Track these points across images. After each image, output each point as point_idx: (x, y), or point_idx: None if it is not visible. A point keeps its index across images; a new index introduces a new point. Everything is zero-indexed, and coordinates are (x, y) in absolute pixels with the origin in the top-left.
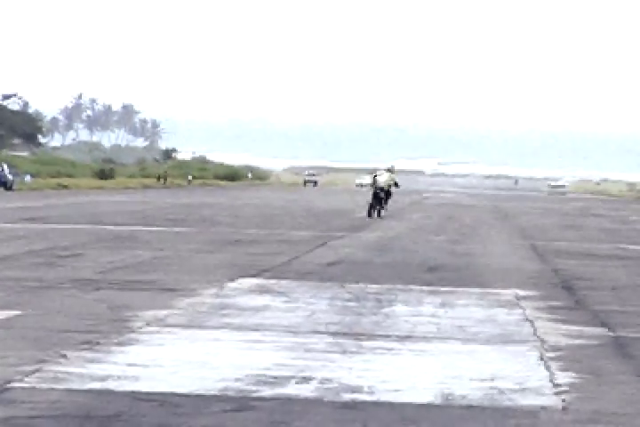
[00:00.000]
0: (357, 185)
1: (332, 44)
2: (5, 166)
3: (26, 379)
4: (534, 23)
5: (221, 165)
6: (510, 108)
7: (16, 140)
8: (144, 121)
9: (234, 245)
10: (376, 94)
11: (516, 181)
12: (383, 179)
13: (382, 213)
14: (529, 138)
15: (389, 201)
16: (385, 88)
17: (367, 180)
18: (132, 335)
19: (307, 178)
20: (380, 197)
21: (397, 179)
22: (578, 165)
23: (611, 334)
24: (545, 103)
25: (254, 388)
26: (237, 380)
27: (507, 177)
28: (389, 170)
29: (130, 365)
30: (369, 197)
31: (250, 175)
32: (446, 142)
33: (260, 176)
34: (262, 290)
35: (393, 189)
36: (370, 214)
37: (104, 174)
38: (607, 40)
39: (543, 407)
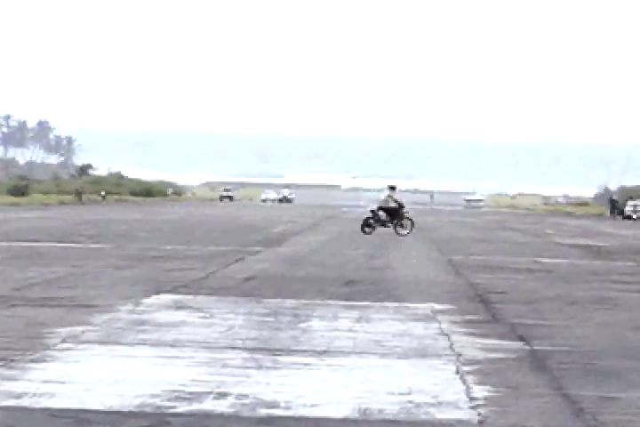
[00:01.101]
0: (263, 200)
1: (246, 55)
2: None
3: None
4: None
5: (137, 180)
6: (426, 120)
7: None
8: (59, 137)
9: (150, 260)
10: (291, 105)
11: (432, 196)
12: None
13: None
14: (443, 150)
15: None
16: (301, 98)
17: (272, 195)
18: (48, 352)
19: (223, 193)
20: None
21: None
22: (492, 178)
23: (527, 347)
24: (458, 115)
25: (170, 404)
26: (154, 396)
27: (423, 191)
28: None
29: (45, 382)
30: (287, 213)
31: (170, 191)
32: (362, 156)
33: (176, 192)
34: (179, 306)
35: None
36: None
37: (18, 191)
38: (510, 45)
39: (459, 421)
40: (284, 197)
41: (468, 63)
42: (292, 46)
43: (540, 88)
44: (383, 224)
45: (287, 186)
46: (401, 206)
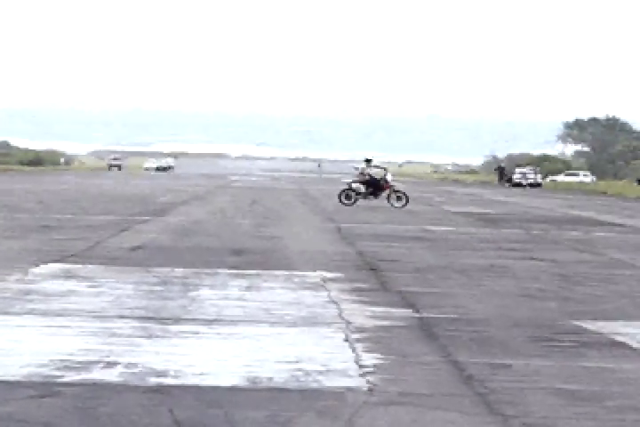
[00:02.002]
0: (145, 168)
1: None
2: None
3: None
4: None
5: (26, 150)
6: (314, 93)
7: None
8: None
9: (37, 230)
10: (178, 78)
11: (320, 164)
12: (390, 176)
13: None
14: (334, 121)
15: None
16: (189, 73)
17: (153, 163)
18: None
19: (112, 162)
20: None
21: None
22: (383, 147)
23: (416, 315)
24: (352, 91)
25: (59, 373)
26: (42, 366)
27: (312, 160)
28: (369, 160)
29: None
30: (176, 182)
31: (63, 161)
32: (251, 126)
33: (67, 161)
34: (67, 275)
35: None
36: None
37: None
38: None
39: (349, 389)
40: (162, 166)
41: (361, 40)
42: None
43: (430, 64)
44: (366, 196)
45: (171, 155)
46: (381, 179)
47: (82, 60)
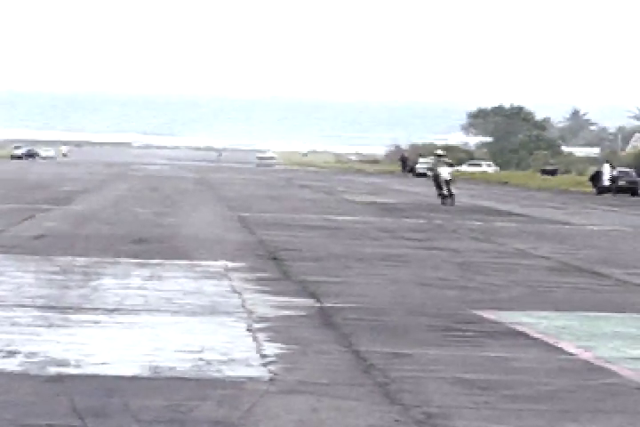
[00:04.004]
0: (43, 157)
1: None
2: None
3: None
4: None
5: None
6: (215, 77)
7: None
8: None
9: None
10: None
11: (220, 153)
12: (446, 172)
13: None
14: (239, 108)
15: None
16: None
17: (50, 152)
18: None
19: (14, 152)
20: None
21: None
22: (284, 135)
23: (317, 304)
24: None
25: None
26: None
27: (215, 149)
28: (440, 156)
29: None
30: (77, 171)
31: None
32: (156, 113)
33: None
34: None
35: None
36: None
37: None
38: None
39: (250, 378)
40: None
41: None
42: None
43: (347, 46)
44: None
45: (66, 143)
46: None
47: None
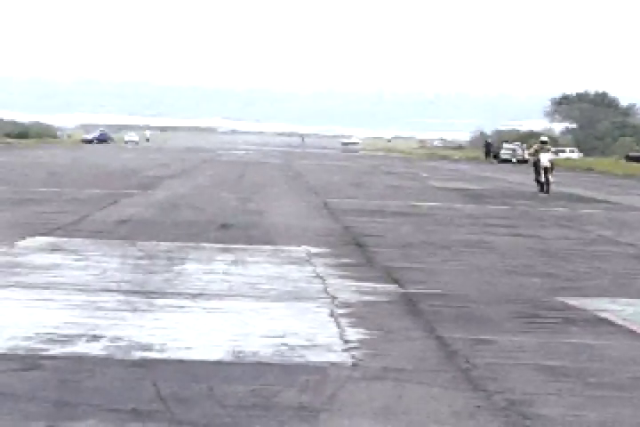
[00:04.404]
0: (126, 142)
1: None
2: None
3: None
4: None
5: (11, 122)
6: (301, 67)
7: None
8: None
9: (24, 203)
10: (172, 53)
11: (303, 139)
12: (547, 159)
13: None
14: (322, 97)
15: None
16: (175, 46)
17: (134, 137)
18: None
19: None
20: (547, 174)
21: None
22: (369, 123)
23: (401, 290)
24: (343, 64)
25: (44, 346)
26: (27, 338)
27: (298, 134)
28: (544, 143)
29: None
30: (164, 156)
31: (60, 133)
32: (240, 101)
33: (50, 134)
34: (53, 248)
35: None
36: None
37: None
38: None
39: (333, 364)
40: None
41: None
42: None
43: (423, 39)
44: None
45: (148, 127)
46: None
47: (71, 31)
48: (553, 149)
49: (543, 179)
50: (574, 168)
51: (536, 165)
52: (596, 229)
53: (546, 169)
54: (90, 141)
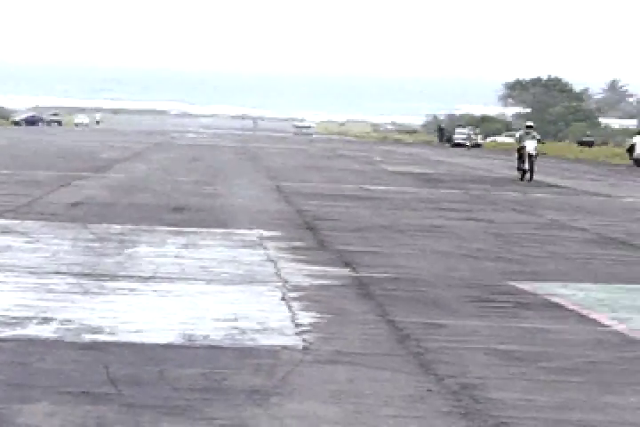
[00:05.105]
0: (76, 124)
1: None
2: None
3: None
4: None
5: None
6: (253, 50)
7: None
8: None
9: None
10: (126, 36)
11: (255, 121)
12: (532, 146)
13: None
14: (274, 79)
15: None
16: (144, 31)
17: (85, 119)
18: None
19: (51, 118)
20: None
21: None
22: (322, 106)
23: (353, 274)
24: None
25: None
26: None
27: (251, 117)
28: (530, 128)
29: None
30: (116, 139)
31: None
32: (193, 83)
33: (4, 116)
34: (4, 230)
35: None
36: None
37: None
38: None
39: (284, 347)
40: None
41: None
42: None
43: (371, 23)
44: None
45: (100, 110)
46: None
47: (24, 14)
48: (507, 132)
49: (527, 166)
50: None
51: (520, 151)
52: (549, 213)
53: (530, 156)
54: (17, 123)
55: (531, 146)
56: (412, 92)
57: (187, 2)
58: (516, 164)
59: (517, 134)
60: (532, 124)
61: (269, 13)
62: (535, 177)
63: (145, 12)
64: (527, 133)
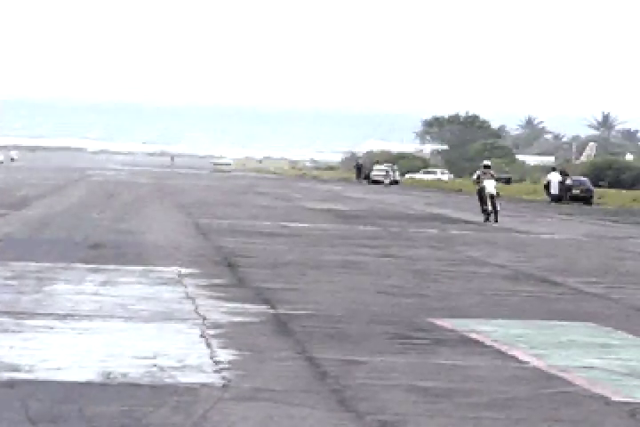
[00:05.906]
0: None
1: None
2: None
3: None
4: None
5: None
6: (170, 82)
7: None
8: None
9: None
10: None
11: (172, 158)
12: (492, 185)
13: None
14: (188, 114)
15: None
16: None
17: (0, 156)
18: None
19: None
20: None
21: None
22: (240, 142)
23: (271, 311)
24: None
25: None
26: None
27: (169, 155)
28: (487, 167)
29: None
30: (34, 175)
31: None
32: (109, 117)
33: None
34: None
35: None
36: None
37: None
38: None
39: (203, 385)
40: None
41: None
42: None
43: (292, 52)
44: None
45: (16, 147)
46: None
47: None
48: (425, 169)
49: (490, 207)
50: (444, 189)
51: (480, 192)
52: (466, 249)
53: (492, 196)
54: None
55: (490, 186)
56: (329, 127)
57: (98, 36)
58: (478, 204)
59: (475, 175)
60: (489, 163)
61: (185, 44)
62: (453, 214)
63: (64, 44)
64: (484, 173)
